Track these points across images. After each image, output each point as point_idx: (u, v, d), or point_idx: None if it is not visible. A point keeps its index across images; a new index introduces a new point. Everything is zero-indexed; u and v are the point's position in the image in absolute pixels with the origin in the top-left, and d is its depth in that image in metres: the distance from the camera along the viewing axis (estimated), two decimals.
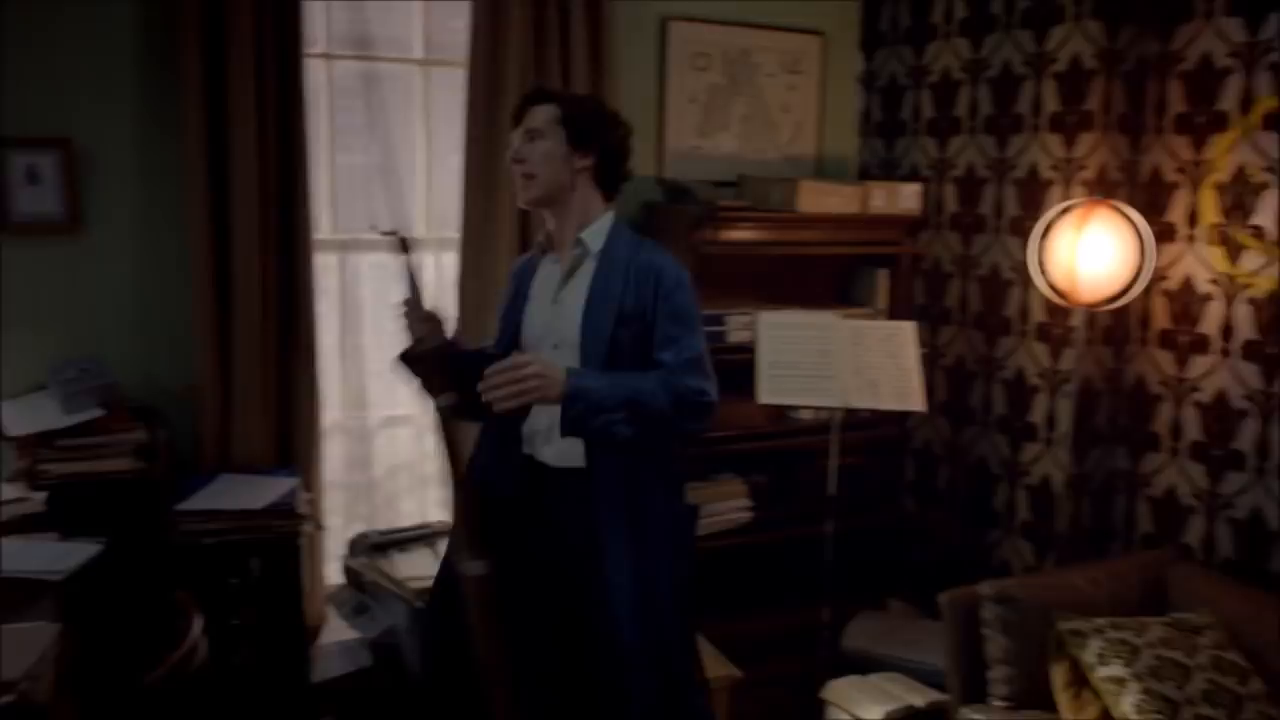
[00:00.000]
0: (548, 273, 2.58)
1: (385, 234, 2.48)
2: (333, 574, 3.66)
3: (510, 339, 2.58)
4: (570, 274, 2.52)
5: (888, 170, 4.37)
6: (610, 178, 2.55)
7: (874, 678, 3.45)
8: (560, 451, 2.45)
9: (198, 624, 2.33)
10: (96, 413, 3.08)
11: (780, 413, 4.02)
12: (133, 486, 3.05)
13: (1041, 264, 3.29)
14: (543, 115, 2.47)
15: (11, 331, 3.22)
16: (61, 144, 3.20)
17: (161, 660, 2.28)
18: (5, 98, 3.15)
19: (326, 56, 3.65)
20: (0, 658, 1.93)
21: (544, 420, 2.45)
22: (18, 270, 3.23)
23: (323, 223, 3.67)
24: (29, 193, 3.18)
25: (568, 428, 2.30)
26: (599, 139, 2.49)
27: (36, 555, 2.32)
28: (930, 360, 4.13)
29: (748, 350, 3.75)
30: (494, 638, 2.32)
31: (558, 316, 2.50)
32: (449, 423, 2.39)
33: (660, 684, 2.44)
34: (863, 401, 3.45)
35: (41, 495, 2.74)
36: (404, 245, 2.46)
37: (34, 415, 3.08)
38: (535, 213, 2.77)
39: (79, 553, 2.34)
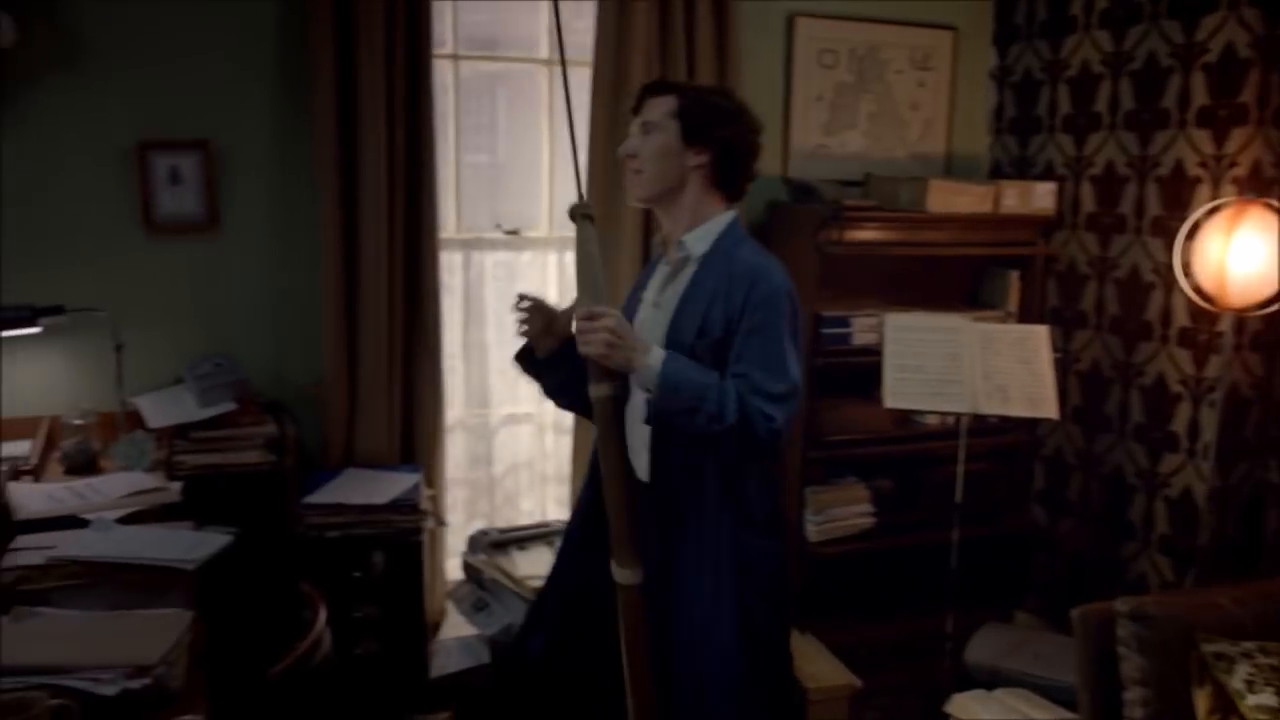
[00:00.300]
0: (659, 274, 2.43)
1: (581, 213, 2.27)
2: (453, 570, 3.71)
3: None
4: (672, 278, 2.36)
5: (1020, 169, 4.23)
6: (729, 177, 2.34)
7: (1000, 693, 3.34)
8: (644, 466, 2.33)
9: (323, 616, 2.36)
10: (229, 407, 3.18)
11: (905, 417, 3.93)
12: (262, 479, 3.12)
13: (1186, 266, 3.14)
14: (659, 107, 2.31)
15: (152, 327, 3.34)
16: (201, 145, 3.30)
17: (287, 650, 2.34)
18: (152, 101, 3.27)
19: (453, 57, 3.69)
20: (139, 642, 1.99)
21: (639, 429, 2.31)
22: (159, 268, 3.35)
23: (448, 221, 3.71)
24: (171, 193, 3.29)
25: (652, 417, 2.21)
26: (716, 134, 2.29)
27: (172, 544, 2.37)
28: (1063, 365, 3.98)
29: (872, 353, 3.69)
30: (640, 646, 2.24)
31: (653, 322, 2.34)
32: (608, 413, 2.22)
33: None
34: (992, 407, 3.34)
35: (177, 485, 2.82)
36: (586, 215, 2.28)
37: (172, 408, 3.19)
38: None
39: (211, 543, 2.38)
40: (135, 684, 1.89)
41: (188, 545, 2.38)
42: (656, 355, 2.15)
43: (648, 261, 3.71)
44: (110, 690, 1.86)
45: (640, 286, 2.48)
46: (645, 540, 2.24)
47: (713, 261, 2.29)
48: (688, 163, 2.30)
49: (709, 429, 2.13)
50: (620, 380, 2.21)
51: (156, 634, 2.02)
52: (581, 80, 3.69)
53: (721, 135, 2.30)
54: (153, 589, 2.25)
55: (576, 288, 2.25)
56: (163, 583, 2.27)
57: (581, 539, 2.47)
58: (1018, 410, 3.36)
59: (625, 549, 2.20)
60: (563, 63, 2.31)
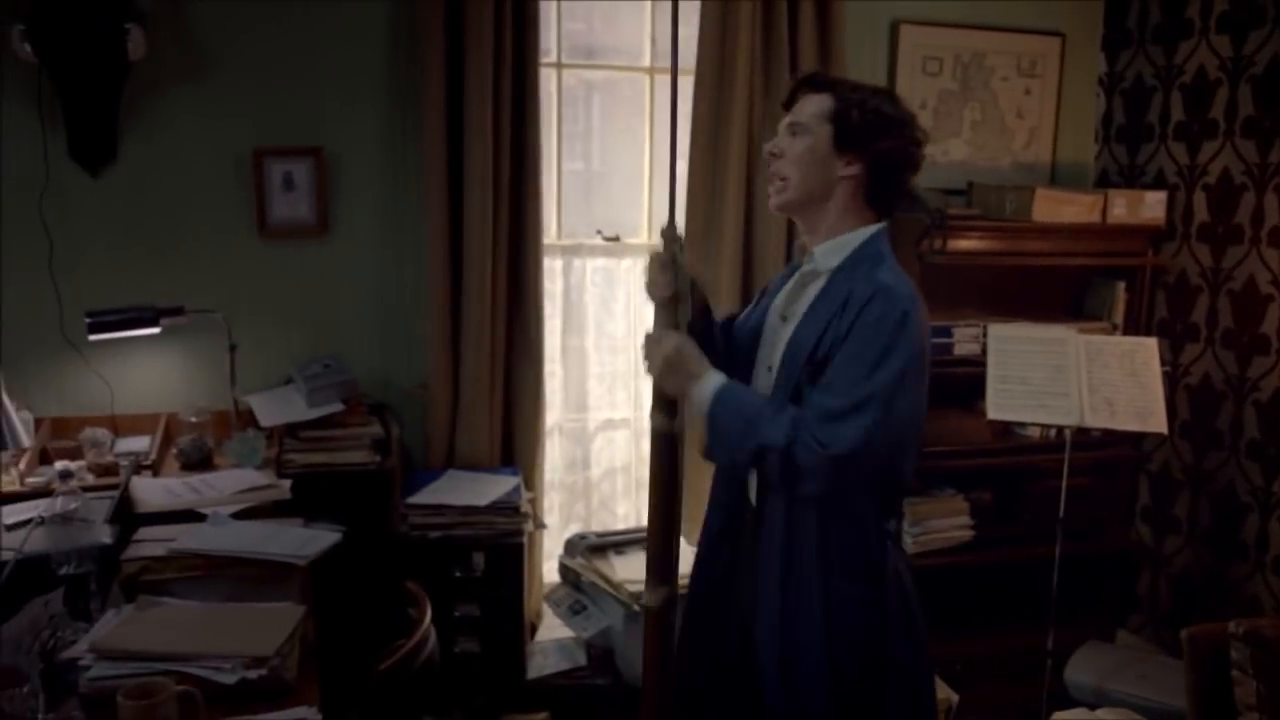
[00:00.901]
0: (792, 283, 2.21)
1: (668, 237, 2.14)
2: (549, 572, 3.75)
3: (748, 343, 2.26)
4: (801, 290, 2.15)
5: (1129, 178, 4.14)
6: (880, 192, 2.09)
7: (1103, 713, 3.27)
8: (754, 486, 2.16)
9: (429, 613, 2.41)
10: (337, 408, 3.26)
11: (1005, 429, 3.87)
12: (367, 479, 3.20)
13: None
14: (812, 106, 2.06)
15: (263, 328, 3.45)
16: (314, 152, 3.40)
17: (394, 646, 2.39)
18: (268, 110, 3.38)
19: (556, 66, 3.73)
20: (256, 634, 2.05)
21: None
22: (271, 271, 3.46)
23: (549, 227, 3.76)
24: (284, 198, 3.39)
25: (708, 452, 2.07)
26: (871, 145, 2.03)
27: (285, 540, 2.43)
28: (1171, 379, 3.88)
29: (972, 363, 3.67)
30: (656, 669, 2.17)
31: (776, 334, 2.16)
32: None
33: None
34: (1099, 421, 3.28)
35: (287, 483, 2.89)
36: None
37: (282, 407, 3.28)
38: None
39: (322, 539, 2.43)
40: (252, 674, 1.95)
41: (299, 541, 2.43)
42: (712, 383, 2.02)
43: (747, 274, 3.74)
44: (229, 679, 1.93)
45: (774, 291, 2.27)
46: (750, 566, 2.16)
47: (840, 279, 2.06)
48: (836, 172, 2.06)
49: (761, 462, 1.99)
50: (679, 418, 2.11)
51: (272, 626, 2.07)
52: (683, 87, 3.71)
53: (879, 147, 2.04)
54: (266, 582, 2.31)
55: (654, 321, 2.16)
56: (276, 577, 2.32)
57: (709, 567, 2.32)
58: (1125, 424, 3.29)
59: (655, 570, 2.15)
60: (673, 77, 2.22)
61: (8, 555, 2.35)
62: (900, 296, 1.99)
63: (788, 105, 2.13)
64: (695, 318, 2.18)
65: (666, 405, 2.10)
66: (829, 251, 2.09)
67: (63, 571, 2.26)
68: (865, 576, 2.09)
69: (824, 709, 2.10)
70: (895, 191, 2.12)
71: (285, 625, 2.08)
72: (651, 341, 2.09)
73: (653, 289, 2.12)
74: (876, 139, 2.03)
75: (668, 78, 3.75)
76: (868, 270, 2.04)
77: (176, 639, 2.02)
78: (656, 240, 3.82)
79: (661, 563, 2.16)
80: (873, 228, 2.09)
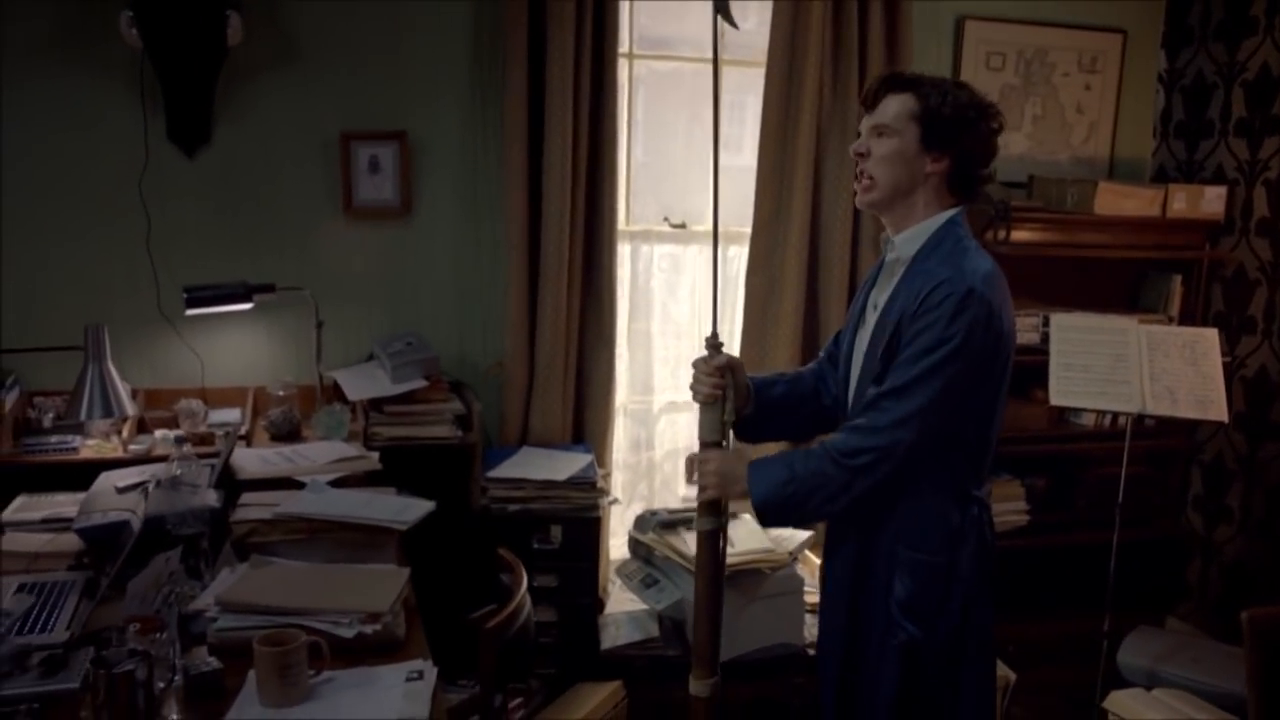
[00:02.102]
0: (880, 276, 2.27)
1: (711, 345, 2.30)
2: (614, 549, 3.86)
3: (850, 348, 2.33)
4: (888, 279, 2.20)
5: (1187, 173, 4.20)
6: (966, 182, 2.15)
7: (1159, 693, 3.34)
8: None
9: (524, 579, 2.51)
10: (420, 383, 3.36)
11: (1061, 416, 3.95)
12: (449, 453, 3.30)
13: None
14: (895, 107, 2.11)
15: (347, 306, 3.55)
16: (399, 136, 3.50)
17: (491, 610, 2.49)
18: (355, 96, 3.48)
19: (629, 56, 3.82)
20: (369, 592, 2.16)
21: None
22: (356, 251, 3.56)
23: (619, 214, 3.84)
24: (370, 181, 3.50)
25: (766, 524, 2.26)
26: (959, 141, 2.09)
27: (381, 506, 2.53)
28: (1228, 371, 3.94)
29: (1030, 352, 3.74)
30: None
31: (867, 327, 2.24)
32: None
33: None
34: (1160, 409, 3.35)
35: (376, 454, 2.99)
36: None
37: (367, 383, 3.39)
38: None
39: (417, 508, 2.53)
40: (368, 629, 2.06)
41: (396, 508, 2.53)
42: (751, 479, 2.17)
43: (813, 260, 3.81)
44: (348, 633, 2.04)
45: (865, 286, 2.34)
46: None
47: (921, 265, 2.12)
48: (924, 169, 2.12)
49: (831, 511, 2.18)
50: (723, 515, 2.29)
51: (382, 585, 2.19)
52: (754, 80, 3.80)
53: (965, 142, 2.10)
54: (364, 546, 2.43)
55: (699, 419, 2.31)
56: (374, 541, 2.44)
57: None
58: (1186, 412, 3.36)
59: (703, 663, 2.31)
60: (715, 74, 2.32)
61: (126, 516, 2.47)
62: (963, 278, 2.03)
63: (870, 105, 2.17)
64: (741, 405, 2.31)
65: (711, 506, 2.27)
66: (910, 238, 2.16)
67: (178, 532, 2.38)
68: (935, 543, 2.17)
69: (892, 669, 2.21)
70: (979, 179, 2.19)
71: (394, 585, 2.19)
72: (699, 463, 2.24)
73: (698, 391, 2.28)
74: (962, 134, 2.10)
75: (737, 70, 3.90)
76: (947, 253, 2.10)
77: (295, 595, 2.13)
78: (722, 226, 3.95)
79: (710, 655, 2.32)
80: (949, 211, 2.15)
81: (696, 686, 2.32)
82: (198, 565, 2.36)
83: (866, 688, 2.28)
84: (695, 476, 2.26)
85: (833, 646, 2.34)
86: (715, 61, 2.35)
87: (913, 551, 2.18)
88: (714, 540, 2.29)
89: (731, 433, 2.30)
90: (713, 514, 2.28)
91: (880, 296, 2.21)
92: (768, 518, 2.19)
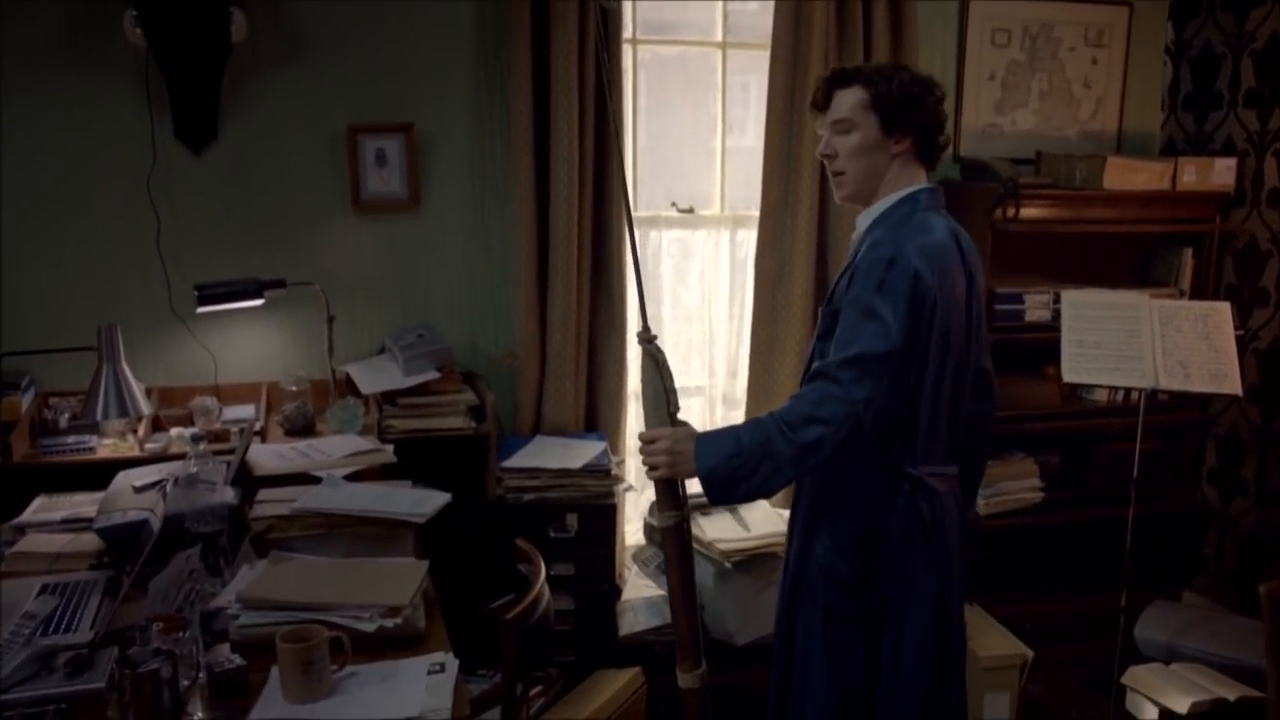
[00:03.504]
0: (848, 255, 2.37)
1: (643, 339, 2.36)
2: (629, 534, 3.87)
3: None
4: (846, 260, 2.30)
5: (1196, 145, 4.18)
6: (928, 152, 2.25)
7: (1177, 667, 3.35)
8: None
9: (543, 570, 2.51)
10: (432, 375, 3.37)
11: (1073, 392, 3.95)
12: (463, 444, 3.31)
13: None
14: (849, 102, 2.20)
15: (357, 299, 3.56)
16: (405, 129, 3.49)
17: (509, 600, 2.50)
18: (361, 88, 3.47)
19: (633, 41, 3.80)
20: (389, 586, 2.17)
21: None
22: (365, 244, 3.56)
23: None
24: (377, 173, 3.50)
25: (714, 501, 2.23)
26: (914, 119, 2.20)
27: (398, 500, 2.53)
28: (1241, 343, 3.93)
29: (1043, 329, 3.76)
30: None
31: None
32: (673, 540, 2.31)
33: None
34: (1173, 383, 3.34)
35: (391, 446, 2.99)
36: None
37: (379, 376, 3.40)
38: None
39: (434, 500, 2.54)
40: (389, 623, 2.07)
41: (413, 501, 2.54)
42: (697, 453, 2.16)
43: (821, 247, 3.81)
44: (369, 627, 2.05)
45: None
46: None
47: (866, 238, 2.23)
48: (889, 152, 2.21)
49: (779, 484, 2.16)
50: (684, 507, 2.29)
51: (401, 579, 2.20)
52: (757, 62, 3.79)
53: (920, 118, 2.21)
54: (382, 540, 2.43)
55: (644, 412, 2.31)
56: (391, 534, 2.45)
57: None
58: (1200, 386, 3.35)
59: (687, 655, 2.32)
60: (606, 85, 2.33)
61: (145, 515, 2.49)
62: (893, 246, 2.11)
63: (822, 106, 2.25)
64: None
65: (669, 499, 2.27)
66: (868, 215, 2.26)
67: (196, 530, 2.39)
68: (852, 510, 2.26)
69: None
70: (940, 146, 2.27)
71: (414, 578, 2.20)
72: (647, 444, 2.24)
73: (654, 466, 2.24)
74: (915, 112, 2.19)
75: (740, 52, 3.89)
76: (894, 225, 2.19)
77: (315, 590, 2.14)
78: (729, 210, 3.97)
79: (692, 647, 2.33)
80: (905, 191, 2.23)
81: (685, 679, 2.34)
82: (217, 562, 2.37)
83: (800, 661, 2.36)
84: (644, 458, 2.26)
85: (780, 614, 2.43)
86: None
87: (832, 515, 2.28)
88: (679, 534, 2.29)
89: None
90: (672, 505, 2.28)
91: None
92: (714, 492, 2.16)
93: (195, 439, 2.60)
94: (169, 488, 2.58)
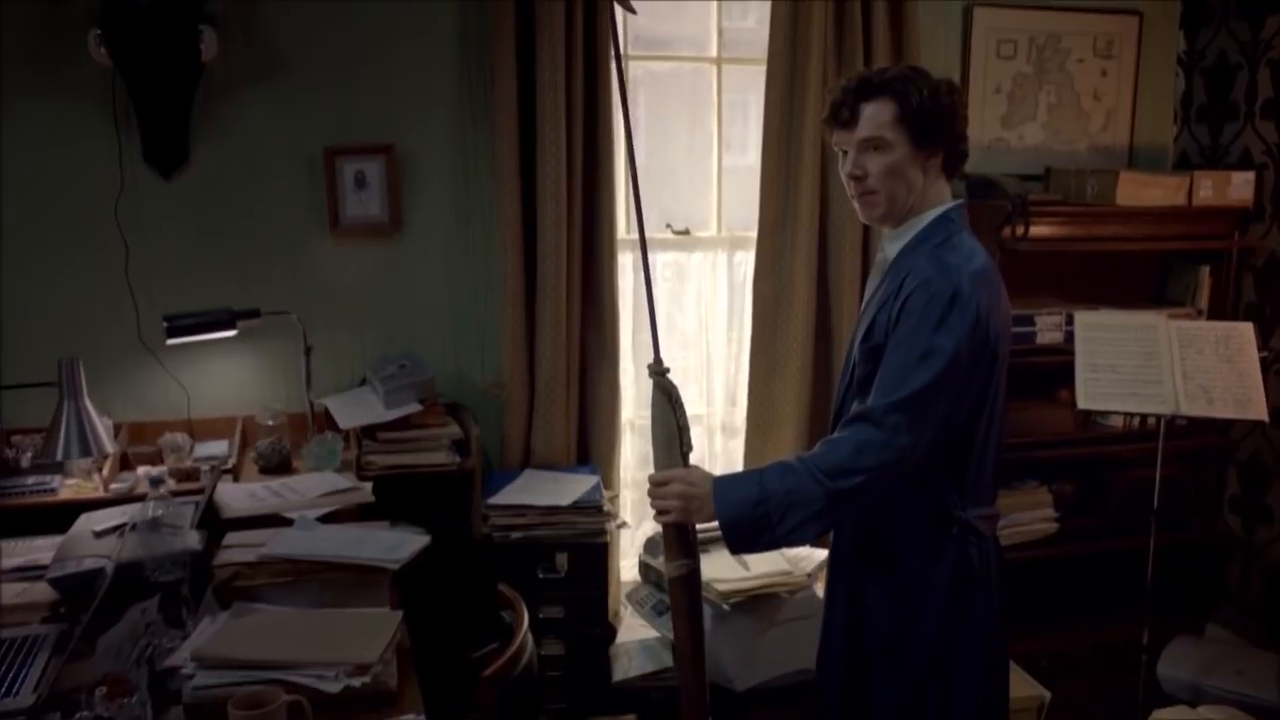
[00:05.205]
0: (871, 278, 2.24)
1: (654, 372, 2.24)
2: (626, 570, 3.71)
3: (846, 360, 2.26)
4: (878, 282, 2.14)
5: (1211, 159, 4.04)
6: (956, 163, 2.09)
7: (1204, 709, 3.17)
8: None
9: (526, 618, 2.37)
10: (415, 408, 3.23)
11: (1088, 418, 3.81)
12: (447, 480, 3.17)
13: None
14: (878, 117, 2.00)
15: (336, 329, 3.42)
16: (385, 150, 3.36)
17: (490, 652, 2.35)
18: (339, 109, 3.34)
19: (625, 58, 3.67)
20: (356, 640, 2.02)
21: None
22: (344, 271, 3.43)
23: (619, 222, 3.70)
24: (357, 197, 3.36)
25: (734, 550, 2.05)
26: (947, 128, 2.03)
27: (373, 543, 2.40)
28: (1264, 365, 3.77)
29: (1055, 352, 3.61)
30: None
31: (857, 333, 2.15)
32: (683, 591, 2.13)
33: None
34: (1195, 409, 3.19)
35: (369, 485, 2.86)
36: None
37: (359, 409, 3.26)
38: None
39: (411, 543, 2.40)
40: (356, 681, 1.93)
41: (389, 545, 2.40)
42: (717, 497, 2.00)
43: (822, 265, 3.70)
44: (334, 687, 1.91)
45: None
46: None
47: (901, 264, 2.05)
48: (921, 168, 2.03)
49: (806, 536, 1.99)
50: (695, 555, 2.12)
51: (371, 632, 2.06)
52: (755, 78, 3.65)
53: (953, 130, 2.04)
54: (356, 587, 2.30)
55: (654, 452, 2.17)
56: (366, 581, 2.30)
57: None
58: (1223, 412, 3.20)
59: (695, 714, 2.16)
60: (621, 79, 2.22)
61: (102, 563, 2.34)
62: (950, 278, 1.94)
63: (847, 121, 2.04)
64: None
65: (680, 546, 2.09)
66: (895, 238, 2.09)
67: (156, 578, 2.24)
68: (895, 555, 2.11)
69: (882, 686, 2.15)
70: (964, 156, 2.11)
71: (384, 631, 2.07)
72: (658, 486, 2.09)
73: (665, 510, 2.08)
74: (950, 124, 2.03)
75: (736, 68, 3.78)
76: (931, 249, 2.01)
77: (277, 647, 2.01)
78: (726, 231, 3.83)
79: (700, 705, 2.16)
80: (936, 211, 2.06)
81: None
82: (179, 613, 2.23)
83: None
84: (654, 501, 2.10)
85: (833, 667, 2.25)
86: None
87: (876, 562, 2.13)
88: (689, 584, 2.12)
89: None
90: (683, 554, 2.10)
91: (872, 300, 2.13)
92: (736, 542, 2.00)
93: (154, 481, 2.45)
94: (127, 533, 2.43)
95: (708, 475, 2.07)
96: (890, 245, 2.11)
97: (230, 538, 2.44)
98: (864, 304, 2.20)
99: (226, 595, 2.26)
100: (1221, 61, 3.99)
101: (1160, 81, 4.14)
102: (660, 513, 2.09)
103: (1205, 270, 3.88)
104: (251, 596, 2.26)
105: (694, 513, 2.04)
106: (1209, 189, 3.69)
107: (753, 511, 1.96)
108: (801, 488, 1.94)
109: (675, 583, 2.13)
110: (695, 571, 2.14)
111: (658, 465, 2.15)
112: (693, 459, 3.85)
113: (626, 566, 3.72)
